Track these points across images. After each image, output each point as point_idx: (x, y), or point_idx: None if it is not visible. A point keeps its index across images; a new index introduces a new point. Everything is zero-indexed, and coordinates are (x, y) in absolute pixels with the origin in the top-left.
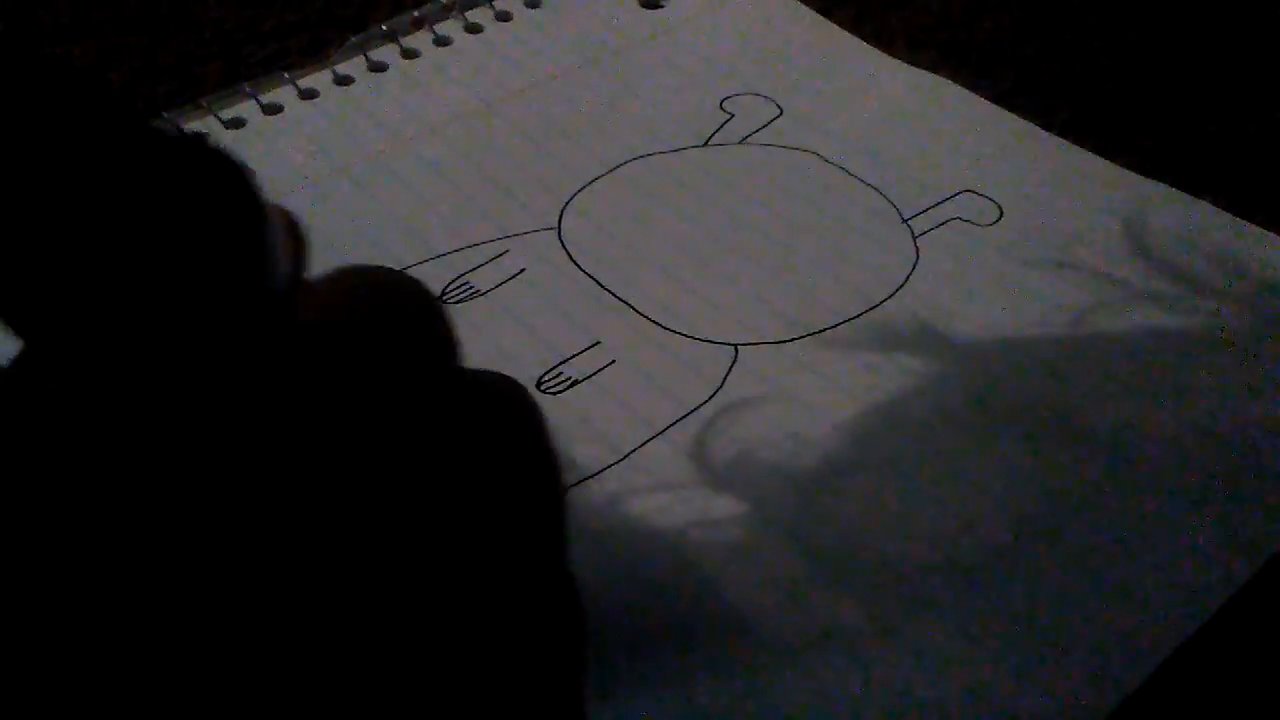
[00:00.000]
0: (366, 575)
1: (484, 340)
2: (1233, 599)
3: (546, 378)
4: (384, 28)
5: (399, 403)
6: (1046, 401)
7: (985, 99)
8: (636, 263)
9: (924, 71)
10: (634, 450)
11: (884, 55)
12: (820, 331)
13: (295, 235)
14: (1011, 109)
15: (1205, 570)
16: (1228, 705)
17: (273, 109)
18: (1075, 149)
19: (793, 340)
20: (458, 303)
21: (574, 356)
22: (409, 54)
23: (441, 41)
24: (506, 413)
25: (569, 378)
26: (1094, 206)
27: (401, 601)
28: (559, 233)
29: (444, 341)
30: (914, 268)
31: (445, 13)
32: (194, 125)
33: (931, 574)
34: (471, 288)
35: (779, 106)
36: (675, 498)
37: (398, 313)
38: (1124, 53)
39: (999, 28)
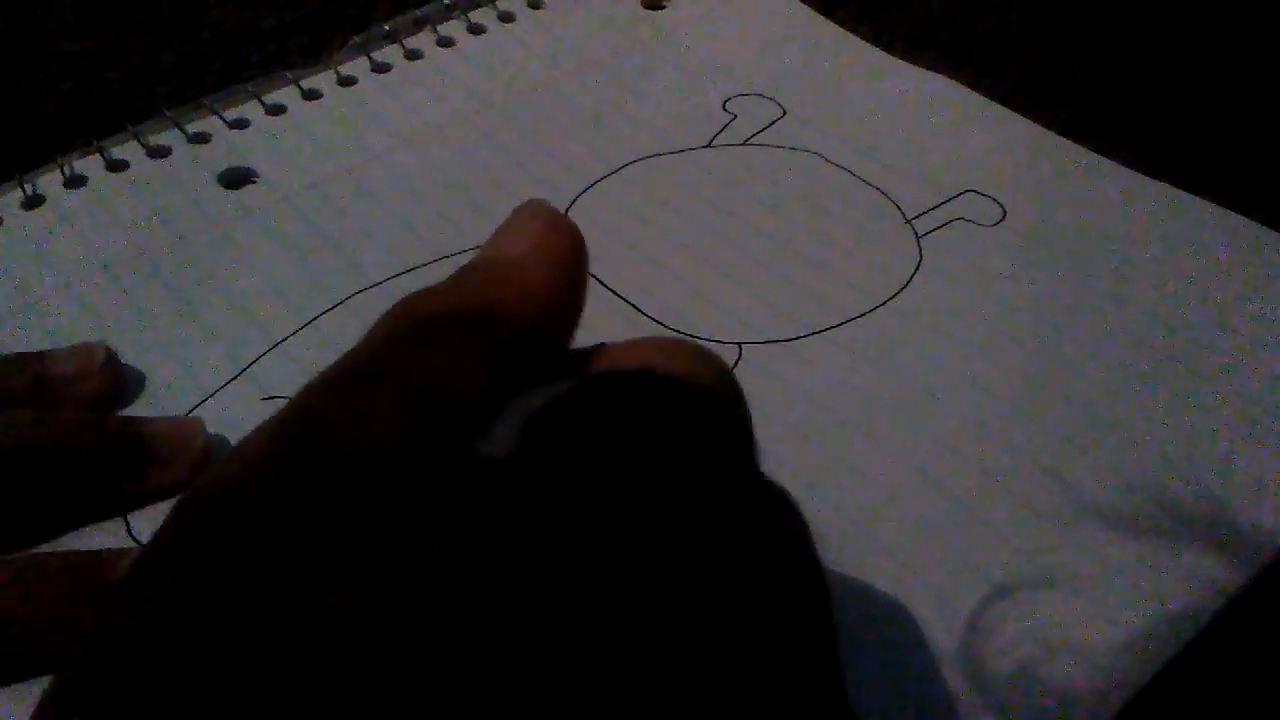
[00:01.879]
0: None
1: None
2: (1236, 598)
3: None
4: (386, 28)
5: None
6: (1050, 399)
7: (986, 99)
8: (640, 263)
9: (927, 71)
10: None
11: (886, 55)
12: (824, 330)
13: None
14: (1012, 109)
15: (1209, 566)
16: (1228, 705)
17: (276, 110)
18: (1078, 149)
19: (796, 339)
20: None
21: None
22: (412, 55)
23: (444, 42)
24: (790, 530)
25: None
26: (1097, 206)
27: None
28: None
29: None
30: (917, 268)
31: (448, 14)
32: (196, 125)
33: (935, 565)
34: None
35: (782, 107)
36: None
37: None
38: (1124, 53)
39: (999, 28)
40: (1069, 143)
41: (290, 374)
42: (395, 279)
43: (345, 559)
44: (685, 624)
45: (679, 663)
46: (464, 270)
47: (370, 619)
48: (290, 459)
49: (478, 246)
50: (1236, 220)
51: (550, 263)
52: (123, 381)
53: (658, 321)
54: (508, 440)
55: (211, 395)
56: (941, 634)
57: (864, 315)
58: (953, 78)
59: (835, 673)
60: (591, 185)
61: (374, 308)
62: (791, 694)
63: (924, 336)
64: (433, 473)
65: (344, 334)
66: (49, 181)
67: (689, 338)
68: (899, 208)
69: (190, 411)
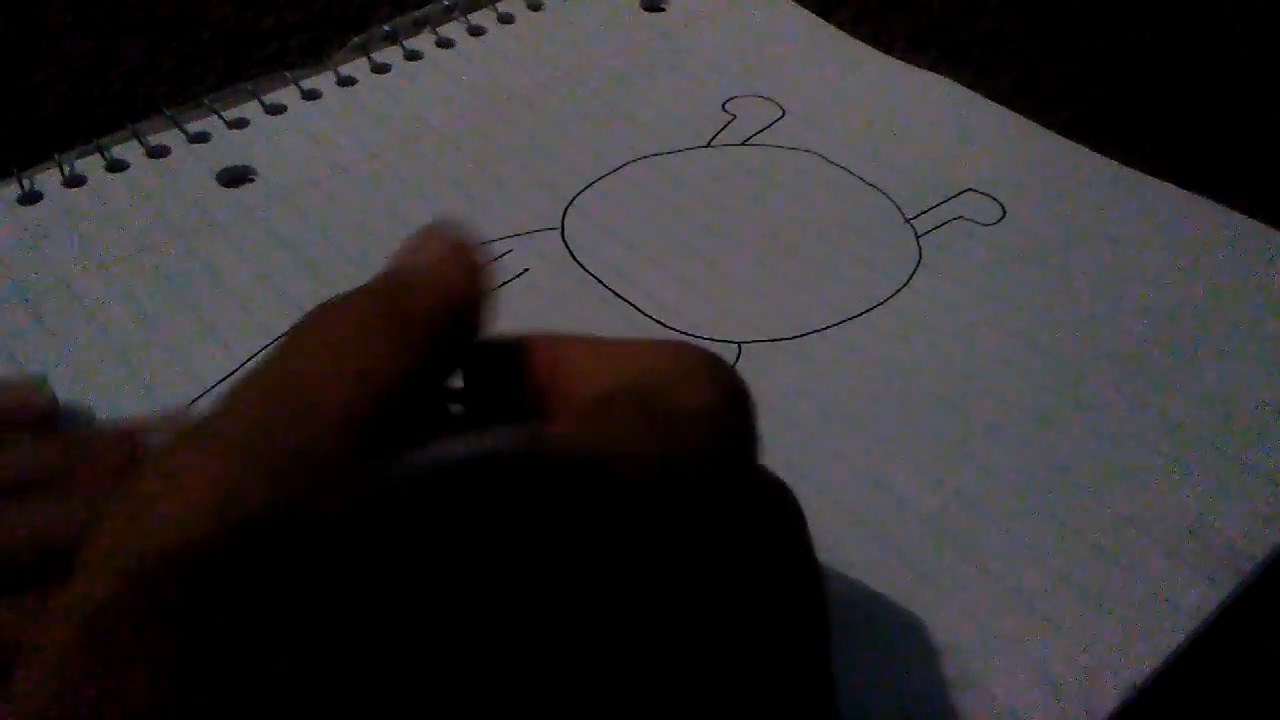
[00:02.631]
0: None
1: None
2: (1237, 596)
3: None
4: (386, 29)
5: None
6: (1048, 397)
7: (986, 99)
8: (639, 262)
9: (925, 71)
10: None
11: (884, 56)
12: (823, 329)
13: None
14: (1012, 109)
15: (1209, 563)
16: (1229, 706)
17: (276, 109)
18: (1078, 147)
19: (796, 338)
20: None
21: None
22: (412, 56)
23: (444, 43)
24: (785, 523)
25: None
26: (1097, 205)
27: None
28: (562, 232)
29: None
30: (916, 267)
31: (447, 15)
32: (196, 125)
33: (934, 563)
34: None
35: (781, 108)
36: None
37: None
38: (1124, 53)
39: (999, 28)
40: (1069, 142)
41: None
42: None
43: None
44: (676, 624)
45: (669, 664)
46: (374, 278)
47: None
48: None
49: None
50: (1236, 219)
51: (453, 273)
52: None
53: (657, 321)
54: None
55: (208, 390)
56: (942, 632)
57: (863, 314)
58: (953, 78)
59: (825, 668)
60: (591, 185)
61: None
62: (780, 689)
63: (923, 335)
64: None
65: None
66: (47, 179)
67: (692, 338)
68: (898, 207)
69: (189, 406)
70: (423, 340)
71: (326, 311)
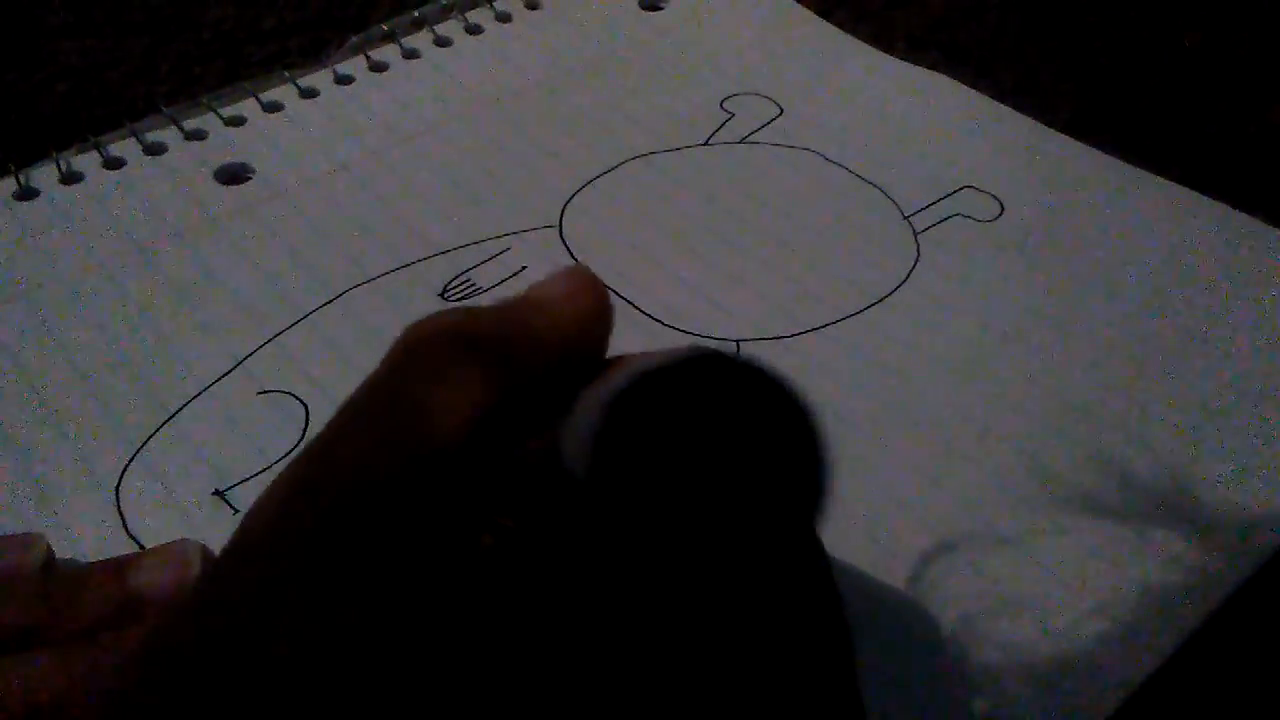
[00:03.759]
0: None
1: None
2: (1235, 595)
3: None
4: (384, 28)
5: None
6: (1047, 395)
7: (982, 95)
8: (638, 260)
9: (924, 70)
10: None
11: (883, 54)
12: (822, 327)
13: None
14: (1012, 108)
15: (1203, 560)
16: (1227, 705)
17: (273, 107)
18: (1076, 143)
19: (794, 336)
20: (459, 299)
21: None
22: (409, 54)
23: (442, 42)
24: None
25: None
26: (1095, 201)
27: None
28: (560, 230)
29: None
30: (915, 264)
31: (445, 14)
32: (193, 123)
33: (933, 562)
34: (473, 284)
35: (779, 106)
36: None
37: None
38: (1124, 53)
39: (999, 28)
40: (1066, 138)
41: (286, 367)
42: (390, 274)
43: (355, 579)
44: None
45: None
46: (506, 300)
47: (373, 634)
48: (296, 498)
49: (475, 242)
50: (1234, 215)
51: (581, 308)
52: None
53: (654, 319)
54: (585, 429)
55: (207, 388)
56: (940, 632)
57: (862, 311)
58: (953, 77)
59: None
60: (589, 183)
61: (369, 302)
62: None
63: (922, 332)
64: (468, 476)
65: (339, 328)
66: (44, 175)
67: (691, 336)
68: (896, 204)
69: (187, 405)
70: (541, 367)
71: (433, 329)
